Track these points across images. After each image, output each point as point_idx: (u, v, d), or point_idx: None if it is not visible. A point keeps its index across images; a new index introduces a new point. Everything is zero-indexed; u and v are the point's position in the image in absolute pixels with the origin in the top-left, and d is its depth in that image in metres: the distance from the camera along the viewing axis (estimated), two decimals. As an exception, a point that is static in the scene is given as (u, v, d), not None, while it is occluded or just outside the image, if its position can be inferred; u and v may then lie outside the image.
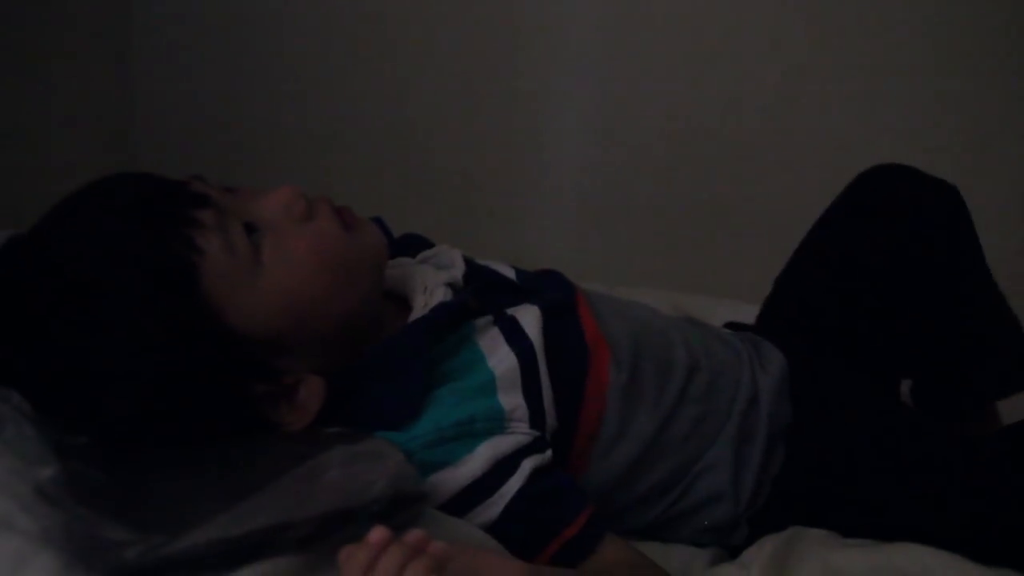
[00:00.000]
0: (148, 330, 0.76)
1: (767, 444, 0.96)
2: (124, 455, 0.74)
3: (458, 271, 0.96)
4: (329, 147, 1.65)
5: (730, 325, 1.14)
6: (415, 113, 1.61)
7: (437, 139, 1.62)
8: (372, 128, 1.63)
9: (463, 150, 1.62)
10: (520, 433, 0.85)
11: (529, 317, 0.91)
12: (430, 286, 0.91)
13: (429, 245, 1.03)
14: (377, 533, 0.65)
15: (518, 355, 0.88)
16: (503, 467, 0.83)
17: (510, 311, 0.92)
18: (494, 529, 0.82)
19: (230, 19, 1.62)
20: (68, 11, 1.47)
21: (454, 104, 1.60)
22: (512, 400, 0.86)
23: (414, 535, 0.66)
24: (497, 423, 0.84)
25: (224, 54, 1.63)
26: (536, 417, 0.86)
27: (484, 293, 0.93)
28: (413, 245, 1.02)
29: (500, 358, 0.87)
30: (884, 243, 1.04)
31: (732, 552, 0.95)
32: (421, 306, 0.90)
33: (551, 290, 0.97)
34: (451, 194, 1.63)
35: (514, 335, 0.89)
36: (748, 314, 1.37)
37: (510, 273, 0.99)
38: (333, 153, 1.65)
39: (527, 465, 0.84)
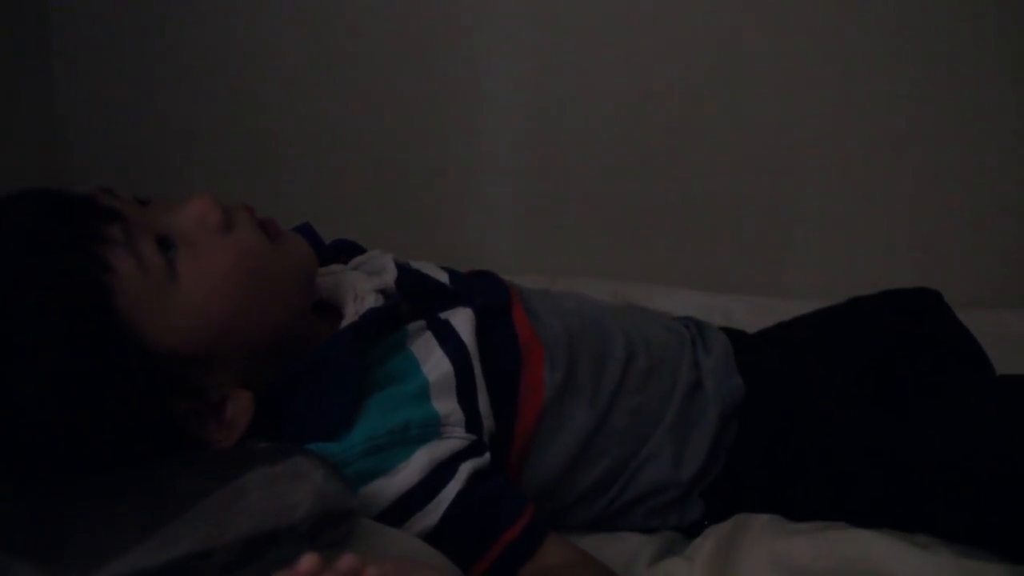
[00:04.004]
0: (62, 353, 0.70)
1: (718, 423, 0.92)
2: (42, 486, 0.68)
3: (390, 276, 0.90)
4: (260, 147, 1.57)
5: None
6: (346, 110, 1.54)
7: (369, 135, 1.55)
8: (303, 127, 1.55)
9: (396, 144, 1.55)
10: (456, 437, 0.81)
11: (462, 320, 0.86)
12: (360, 293, 0.87)
13: (361, 250, 0.98)
14: (307, 561, 0.59)
15: (452, 360, 0.83)
16: (440, 472, 0.79)
17: (443, 315, 0.87)
18: (434, 536, 0.78)
19: (153, 17, 1.54)
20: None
21: (386, 96, 1.53)
22: (446, 405, 0.81)
23: (347, 561, 0.60)
24: (432, 429, 0.80)
25: (149, 52, 1.54)
26: (472, 421, 0.82)
27: (416, 297, 0.89)
28: (345, 251, 0.97)
29: (434, 363, 0.83)
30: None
31: (687, 531, 0.91)
32: (352, 314, 0.85)
33: (484, 291, 0.92)
34: (386, 190, 1.56)
35: (448, 339, 0.85)
36: (688, 300, 1.34)
37: (443, 276, 0.94)
38: (264, 153, 1.57)
39: (464, 469, 0.79)
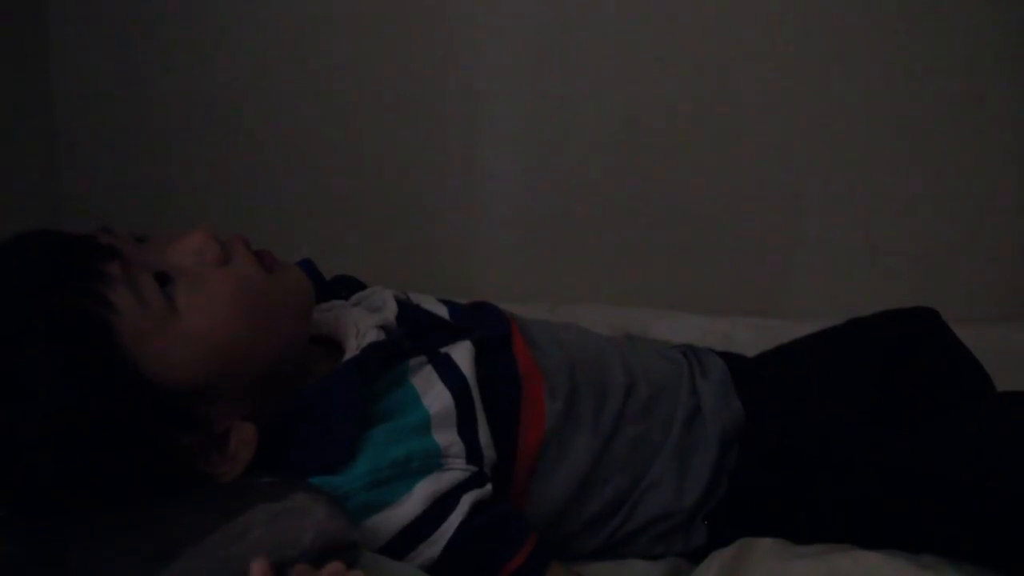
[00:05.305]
0: (66, 391, 0.70)
1: (719, 448, 0.92)
2: (47, 523, 0.68)
3: (390, 312, 0.91)
4: (257, 178, 1.56)
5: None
6: (345, 141, 1.53)
7: (369, 165, 1.55)
8: (298, 154, 1.55)
9: (396, 174, 1.54)
10: (457, 469, 0.80)
11: (462, 354, 0.86)
12: (362, 329, 0.87)
13: (362, 286, 0.98)
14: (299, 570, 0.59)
15: (452, 393, 0.83)
16: (442, 504, 0.78)
17: (443, 349, 0.87)
18: (437, 568, 0.77)
19: (153, 18, 1.53)
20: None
21: (386, 126, 1.52)
22: (447, 437, 0.81)
23: (331, 569, 0.61)
24: (433, 460, 0.80)
25: (149, 53, 1.53)
26: (473, 452, 0.82)
27: (417, 333, 0.89)
28: (345, 286, 0.97)
29: (434, 396, 0.83)
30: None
31: (692, 557, 0.91)
32: (354, 348, 0.85)
33: (484, 324, 0.92)
34: (385, 218, 1.56)
35: (448, 372, 0.85)
36: (689, 324, 1.34)
37: (442, 311, 0.94)
38: (260, 184, 1.56)
39: (466, 500, 0.79)
